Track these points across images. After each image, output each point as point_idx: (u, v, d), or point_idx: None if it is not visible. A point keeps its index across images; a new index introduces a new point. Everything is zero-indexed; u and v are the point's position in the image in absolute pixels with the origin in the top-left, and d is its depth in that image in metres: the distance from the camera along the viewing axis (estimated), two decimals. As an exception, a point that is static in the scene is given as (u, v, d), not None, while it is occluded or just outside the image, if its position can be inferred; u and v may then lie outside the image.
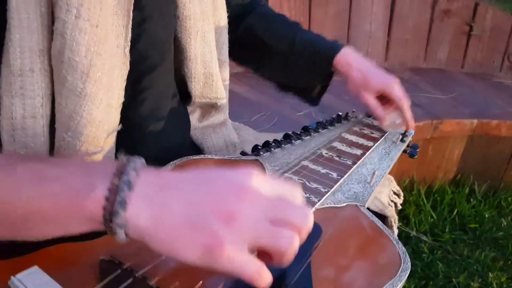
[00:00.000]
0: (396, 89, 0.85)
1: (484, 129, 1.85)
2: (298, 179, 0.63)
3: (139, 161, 0.36)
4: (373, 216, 0.60)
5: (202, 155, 0.65)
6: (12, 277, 0.34)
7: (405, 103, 0.86)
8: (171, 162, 0.61)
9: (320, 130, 0.85)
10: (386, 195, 0.87)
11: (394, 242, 0.55)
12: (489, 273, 1.59)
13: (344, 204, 0.61)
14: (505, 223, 1.88)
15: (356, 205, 0.61)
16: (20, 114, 0.46)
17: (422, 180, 1.94)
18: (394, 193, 0.91)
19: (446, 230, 1.77)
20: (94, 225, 0.34)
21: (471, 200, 1.98)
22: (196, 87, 0.72)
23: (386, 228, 0.57)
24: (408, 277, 1.41)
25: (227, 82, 0.83)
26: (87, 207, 0.33)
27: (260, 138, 0.90)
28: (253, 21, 0.85)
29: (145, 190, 0.34)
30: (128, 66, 0.54)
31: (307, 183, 0.62)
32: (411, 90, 2.04)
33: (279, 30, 0.87)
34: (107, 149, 0.55)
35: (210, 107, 0.79)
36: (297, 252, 0.35)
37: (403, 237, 1.70)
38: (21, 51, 0.45)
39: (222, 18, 0.74)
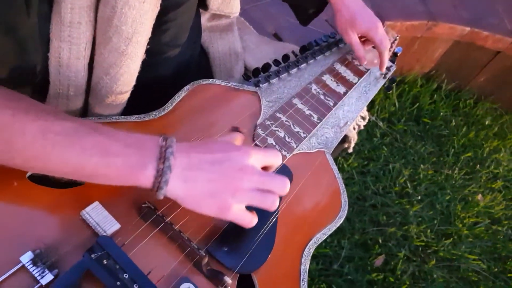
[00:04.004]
0: (379, 34, 0.91)
1: (473, 38, 1.93)
2: (286, 121, 0.77)
3: (174, 144, 0.50)
4: (334, 164, 0.77)
5: (211, 80, 0.76)
6: (82, 211, 0.51)
7: (385, 48, 0.93)
8: (184, 88, 0.72)
9: (316, 57, 0.94)
10: (356, 118, 1.03)
11: (341, 191, 0.73)
12: (422, 165, 1.88)
13: (315, 150, 0.77)
14: (454, 123, 2.12)
15: (324, 152, 0.77)
16: (67, 56, 0.55)
17: (399, 70, 2.07)
18: (362, 117, 1.07)
19: (402, 120, 2.00)
20: (141, 187, 0.50)
21: (435, 96, 2.17)
22: (214, 3, 0.78)
23: (340, 177, 0.75)
24: (355, 155, 1.67)
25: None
26: (140, 180, 0.49)
27: (261, 46, 0.99)
28: None
29: (180, 171, 0.50)
30: (159, 8, 0.59)
31: (291, 126, 0.76)
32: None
33: None
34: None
35: (222, 15, 0.86)
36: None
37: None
38: (72, 7, 0.52)
39: None
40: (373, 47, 0.97)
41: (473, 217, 1.80)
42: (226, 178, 0.51)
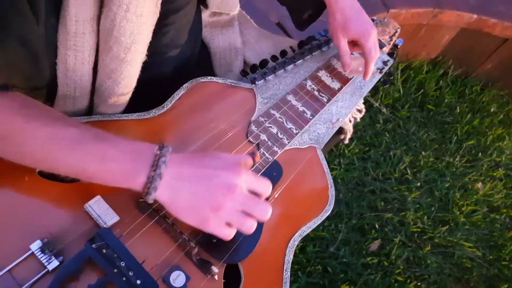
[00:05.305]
0: (370, 42, 0.88)
1: (480, 25, 1.92)
2: (279, 117, 0.81)
3: (168, 154, 0.54)
4: (324, 159, 0.81)
5: (209, 77, 0.80)
6: (86, 204, 0.56)
7: (373, 59, 0.90)
8: (183, 86, 0.77)
9: (313, 52, 0.98)
10: (350, 113, 1.06)
11: (329, 186, 0.78)
12: (423, 151, 1.91)
13: (306, 146, 0.81)
14: (458, 110, 2.13)
15: (315, 147, 0.82)
16: (73, 62, 0.60)
17: (405, 55, 2.08)
18: (358, 110, 1.11)
19: (406, 106, 2.02)
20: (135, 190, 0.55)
21: (440, 82, 2.18)
22: (214, 2, 0.82)
23: (329, 172, 0.80)
24: (357, 141, 1.72)
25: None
26: (132, 184, 0.54)
27: (261, 41, 1.02)
28: None
29: (169, 180, 0.54)
30: (158, 15, 0.63)
31: (284, 123, 0.81)
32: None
33: None
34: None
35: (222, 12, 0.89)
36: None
37: (366, 105, 1.93)
38: (76, 20, 0.56)
39: None
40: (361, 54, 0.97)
41: (471, 205, 1.84)
42: (209, 194, 0.54)
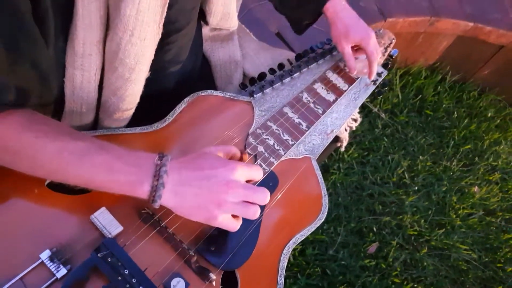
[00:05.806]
0: (371, 44, 0.97)
1: (476, 33, 1.95)
2: (276, 129, 0.85)
3: (168, 162, 0.59)
4: (318, 169, 0.85)
5: (209, 91, 0.84)
6: (91, 215, 0.60)
7: (375, 59, 0.98)
8: (184, 100, 0.81)
9: (310, 65, 1.01)
10: (346, 122, 1.10)
11: (323, 194, 0.82)
12: (421, 156, 1.95)
13: (301, 157, 0.85)
14: (456, 115, 2.17)
15: (310, 158, 0.85)
16: (79, 80, 0.64)
17: (403, 61, 2.11)
18: (353, 119, 1.14)
19: (405, 111, 2.05)
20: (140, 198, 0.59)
21: (438, 87, 2.21)
22: (213, 20, 0.85)
23: (323, 181, 0.84)
24: (356, 146, 1.76)
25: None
26: (138, 193, 0.58)
27: (260, 53, 1.06)
28: None
29: (172, 187, 0.58)
30: (160, 35, 0.67)
31: (281, 135, 0.84)
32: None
33: None
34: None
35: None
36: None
37: (365, 110, 1.97)
38: (83, 43, 0.60)
39: None
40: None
41: (467, 208, 1.87)
42: (212, 192, 0.59)
